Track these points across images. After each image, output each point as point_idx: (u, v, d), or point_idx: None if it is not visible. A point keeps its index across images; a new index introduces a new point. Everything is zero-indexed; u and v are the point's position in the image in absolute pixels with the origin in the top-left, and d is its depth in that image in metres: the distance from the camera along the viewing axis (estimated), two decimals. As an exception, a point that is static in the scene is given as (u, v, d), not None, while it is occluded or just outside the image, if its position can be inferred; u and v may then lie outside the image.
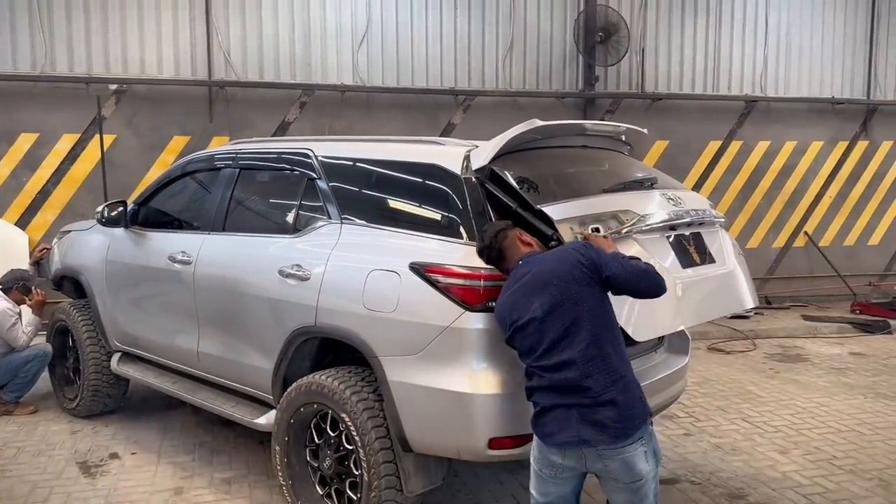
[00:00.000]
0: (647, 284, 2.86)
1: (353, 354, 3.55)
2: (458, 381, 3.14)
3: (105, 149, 7.63)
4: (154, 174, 7.52)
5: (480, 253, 3.06)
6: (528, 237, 3.03)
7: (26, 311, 5.70)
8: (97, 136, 7.60)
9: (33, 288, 5.71)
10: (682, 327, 3.53)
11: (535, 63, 9.07)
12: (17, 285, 5.62)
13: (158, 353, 4.87)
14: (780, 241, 10.15)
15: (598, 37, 8.78)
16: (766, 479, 4.49)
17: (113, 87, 7.81)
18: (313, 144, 4.13)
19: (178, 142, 8.03)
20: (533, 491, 2.89)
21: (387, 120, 8.49)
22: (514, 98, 8.94)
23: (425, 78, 8.69)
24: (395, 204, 3.68)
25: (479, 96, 8.82)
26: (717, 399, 6.05)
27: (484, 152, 3.34)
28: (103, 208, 5.08)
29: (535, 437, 2.84)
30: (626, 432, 2.68)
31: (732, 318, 8.37)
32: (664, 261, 3.35)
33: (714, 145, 9.76)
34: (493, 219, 3.25)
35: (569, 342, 2.72)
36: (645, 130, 4.13)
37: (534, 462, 2.86)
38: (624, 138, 4.10)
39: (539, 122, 3.40)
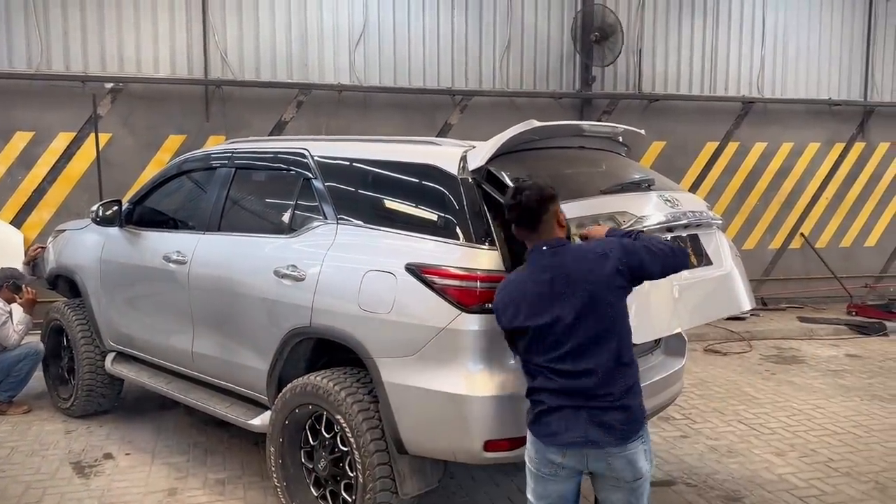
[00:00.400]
0: (679, 265, 2.85)
1: (349, 355, 3.53)
2: (453, 383, 3.12)
3: (101, 147, 7.60)
4: (150, 173, 7.49)
5: (511, 209, 2.74)
6: (563, 218, 2.81)
7: (17, 309, 5.66)
8: (93, 135, 7.58)
9: (23, 286, 5.68)
10: (679, 329, 3.52)
11: (533, 63, 9.06)
12: (6, 284, 5.58)
13: (153, 354, 4.84)
14: (777, 243, 10.15)
15: (593, 36, 8.77)
16: (762, 481, 4.48)
17: (109, 85, 7.78)
18: (309, 144, 4.11)
19: (174, 141, 8.00)
20: (531, 496, 2.79)
21: (384, 120, 8.47)
22: (512, 98, 8.92)
23: (422, 78, 8.67)
24: (392, 204, 3.66)
25: (477, 96, 8.80)
26: (713, 401, 6.04)
27: (481, 153, 3.32)
28: (98, 207, 5.05)
29: (530, 437, 2.75)
30: (630, 435, 2.65)
31: (729, 319, 8.36)
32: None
33: (711, 146, 9.76)
34: (490, 221, 3.21)
35: (593, 351, 2.61)
36: (642, 131, 4.12)
37: (530, 463, 2.78)
38: (621, 139, 4.09)
39: (536, 123, 3.38)
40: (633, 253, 2.71)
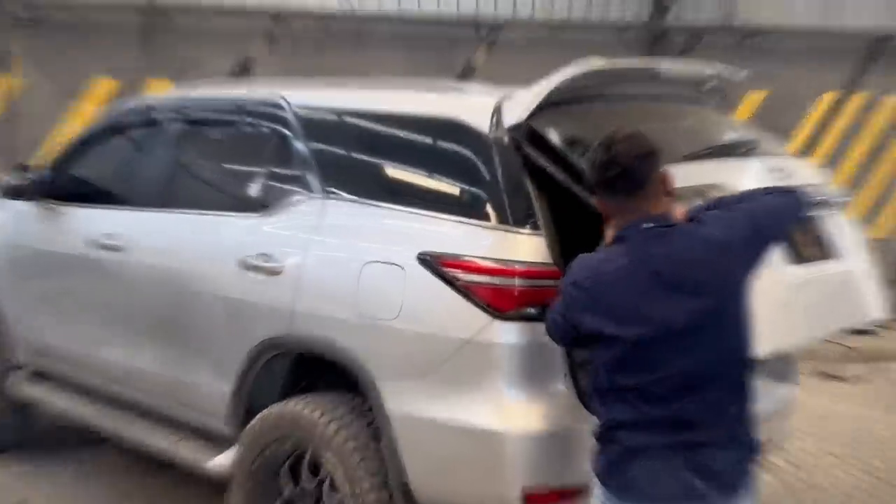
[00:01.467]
0: (805, 211, 3.05)
1: (341, 376, 3.54)
2: (483, 415, 3.12)
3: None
4: (70, 130, 7.54)
5: (605, 167, 2.59)
6: (671, 184, 2.67)
7: None
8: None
9: None
10: (789, 346, 3.49)
11: (586, -16, 9.06)
12: None
13: (75, 371, 4.89)
14: (918, 231, 10.10)
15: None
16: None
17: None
18: (287, 91, 4.13)
19: (102, 86, 8.06)
20: None
21: (385, 59, 8.49)
22: (555, 32, 8.91)
23: (436, 3, 8.67)
24: (399, 173, 3.67)
25: (509, 29, 8.80)
26: (832, 444, 6.00)
27: (522, 104, 3.31)
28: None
29: (602, 492, 2.66)
30: (743, 480, 2.63)
31: (852, 333, 8.30)
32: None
33: (829, 97, 9.70)
34: (533, 195, 3.20)
35: (709, 373, 2.54)
36: (743, 72, 4.08)
37: None
38: (712, 85, 4.07)
39: (597, 63, 3.37)
40: (761, 229, 2.67)
